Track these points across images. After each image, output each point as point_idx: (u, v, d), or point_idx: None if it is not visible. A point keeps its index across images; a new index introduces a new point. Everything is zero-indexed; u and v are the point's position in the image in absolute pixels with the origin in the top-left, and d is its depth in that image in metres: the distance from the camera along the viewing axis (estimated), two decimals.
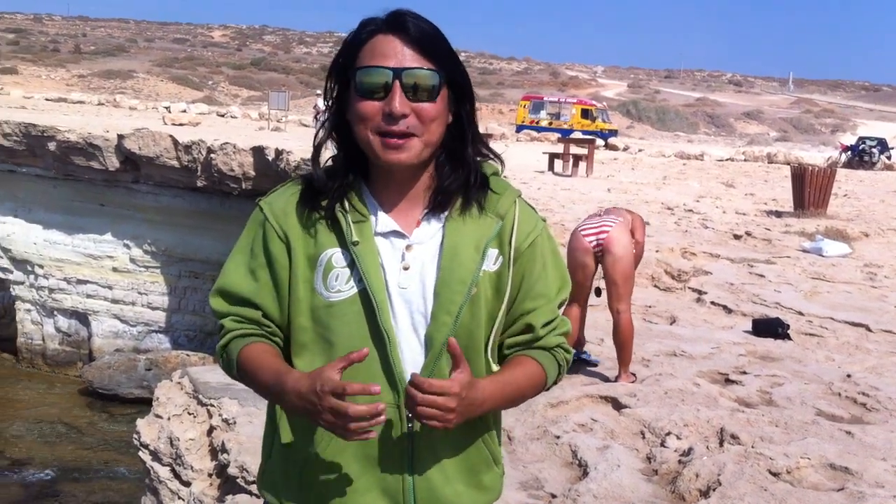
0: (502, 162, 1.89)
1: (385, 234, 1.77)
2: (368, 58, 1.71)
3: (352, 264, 1.75)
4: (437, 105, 1.72)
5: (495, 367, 1.84)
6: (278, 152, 19.04)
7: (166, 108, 37.94)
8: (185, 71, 72.33)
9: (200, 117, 32.90)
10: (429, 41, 1.72)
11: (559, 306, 1.88)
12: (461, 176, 1.78)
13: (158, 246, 21.86)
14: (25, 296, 23.13)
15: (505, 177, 1.89)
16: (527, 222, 1.84)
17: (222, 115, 38.38)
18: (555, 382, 1.90)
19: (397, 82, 1.68)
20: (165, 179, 20.76)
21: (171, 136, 20.36)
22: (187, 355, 19.75)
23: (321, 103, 23.04)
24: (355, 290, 1.74)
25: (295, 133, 27.24)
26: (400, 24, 1.71)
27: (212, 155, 19.68)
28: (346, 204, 1.78)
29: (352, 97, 1.73)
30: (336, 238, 1.77)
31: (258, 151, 19.40)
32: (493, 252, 1.79)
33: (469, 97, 1.80)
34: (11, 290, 23.38)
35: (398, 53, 1.69)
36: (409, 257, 1.77)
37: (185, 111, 36.54)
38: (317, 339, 1.78)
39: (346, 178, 1.79)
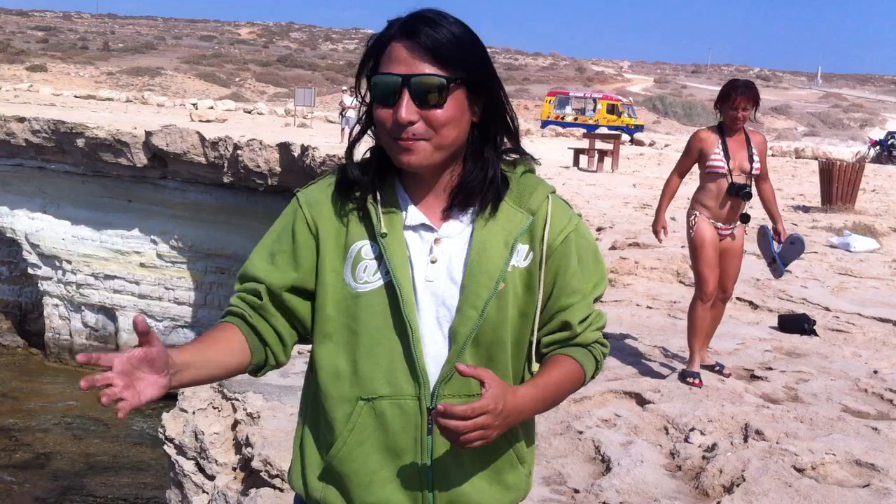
0: (533, 160, 1.89)
1: (414, 227, 1.78)
2: (384, 64, 1.72)
3: (380, 256, 1.76)
4: (448, 110, 1.71)
5: (535, 366, 1.84)
6: (304, 148, 19.11)
7: (193, 104, 38.19)
8: (212, 68, 72.68)
9: (227, 114, 33.11)
10: (440, 45, 1.70)
11: (595, 301, 1.87)
12: (481, 176, 1.78)
13: (185, 241, 22.03)
14: (53, 291, 23.38)
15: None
16: (560, 218, 1.82)
17: (249, 112, 38.58)
18: (592, 377, 1.89)
19: (405, 89, 1.69)
20: (192, 176, 20.90)
21: (198, 132, 20.50)
22: None
23: (347, 99, 23.16)
24: (382, 281, 1.75)
25: (321, 129, 27.33)
26: (411, 29, 1.71)
27: (238, 151, 19.79)
28: (378, 196, 1.79)
29: (373, 103, 1.76)
30: (366, 230, 1.78)
31: (284, 147, 19.48)
32: (523, 248, 1.79)
33: (493, 96, 1.78)
34: (40, 285, 23.63)
35: (407, 60, 1.70)
36: (436, 250, 1.78)
37: (212, 108, 36.79)
38: (342, 329, 1.79)
39: (379, 172, 1.81)
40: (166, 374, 1.63)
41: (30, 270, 23.62)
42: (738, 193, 5.48)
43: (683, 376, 5.54)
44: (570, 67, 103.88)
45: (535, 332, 1.82)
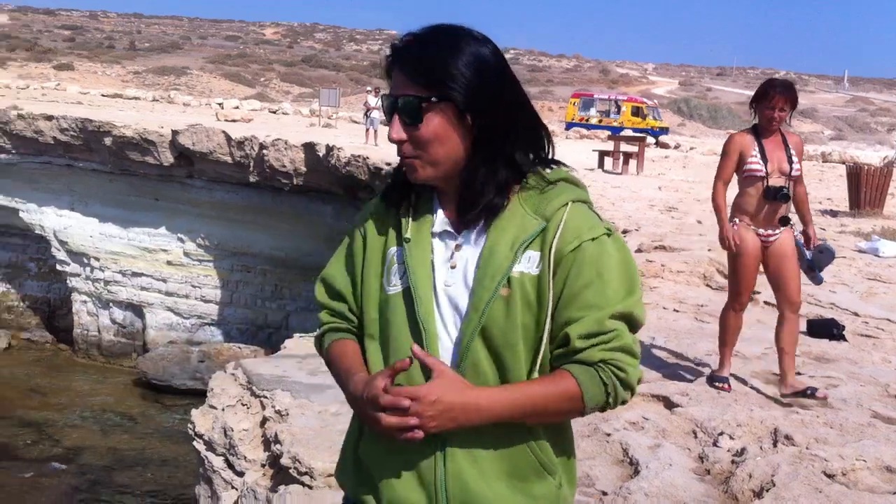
0: (560, 167, 1.88)
1: (440, 234, 1.85)
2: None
3: (403, 262, 1.84)
4: (428, 127, 1.76)
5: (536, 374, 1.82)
6: (329, 148, 19.18)
7: (219, 104, 38.41)
8: (237, 68, 73.05)
9: (253, 114, 33.29)
10: (420, 65, 1.76)
11: (619, 320, 1.75)
12: (470, 183, 1.79)
13: (211, 240, 22.17)
14: (82, 288, 23.58)
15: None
16: (576, 227, 1.76)
17: (274, 112, 38.76)
18: (608, 405, 1.77)
19: (394, 111, 1.79)
20: (218, 175, 21.03)
21: (223, 132, 20.62)
22: (239, 348, 20.05)
23: (371, 100, 23.18)
24: (404, 285, 1.82)
25: (345, 129, 27.42)
26: (395, 53, 1.80)
27: (264, 151, 19.89)
28: (412, 205, 1.88)
29: None
30: (398, 237, 1.87)
31: (309, 147, 19.56)
32: (534, 255, 1.76)
33: (491, 112, 1.77)
34: (68, 281, 23.85)
35: (394, 81, 1.80)
36: (456, 256, 1.82)
37: (237, 108, 36.99)
38: (379, 329, 1.87)
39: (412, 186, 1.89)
40: None
41: (58, 267, 23.84)
42: (776, 196, 5.31)
43: (712, 380, 5.51)
44: (595, 69, 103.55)
45: (545, 343, 1.77)
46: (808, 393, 5.24)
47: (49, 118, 22.09)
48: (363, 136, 23.00)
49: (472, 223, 1.82)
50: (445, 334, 1.79)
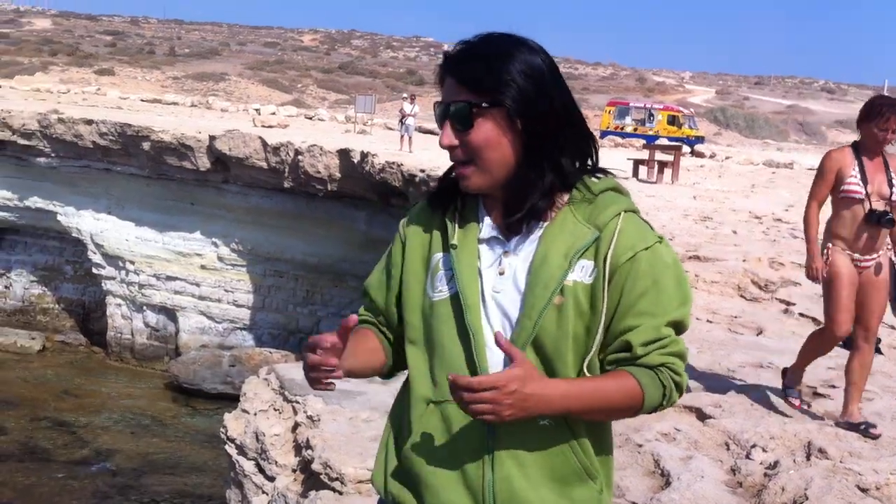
0: (608, 177, 1.90)
1: (487, 241, 1.87)
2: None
3: (451, 267, 1.86)
4: (479, 133, 1.78)
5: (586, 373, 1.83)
6: (363, 155, 19.25)
7: (256, 110, 38.67)
8: (275, 74, 73.56)
9: (289, 119, 33.46)
10: (468, 70, 1.80)
11: (672, 327, 1.80)
12: (519, 189, 1.81)
13: (245, 245, 22.33)
14: (116, 291, 23.83)
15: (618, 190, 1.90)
16: (630, 237, 1.79)
17: (310, 118, 38.94)
18: (661, 405, 1.82)
19: (446, 117, 1.82)
20: (254, 180, 21.18)
21: (260, 137, 20.77)
22: (270, 353, 20.15)
23: (407, 107, 23.26)
24: (452, 291, 1.85)
25: (380, 136, 27.51)
26: (446, 61, 1.84)
27: (299, 157, 20.01)
28: (458, 211, 1.90)
29: None
30: (443, 242, 1.89)
31: (344, 154, 19.65)
32: (587, 264, 1.79)
33: (541, 119, 1.79)
34: (103, 284, 24.11)
35: (446, 88, 1.83)
36: (505, 262, 1.84)
37: (274, 113, 37.21)
38: (422, 335, 1.90)
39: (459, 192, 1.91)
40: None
41: (94, 270, 24.11)
42: (880, 221, 4.90)
43: (784, 394, 5.18)
44: (631, 77, 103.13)
45: (594, 350, 1.79)
46: (862, 428, 4.92)
47: (89, 122, 22.36)
48: (398, 143, 23.07)
49: (517, 228, 1.84)
50: (492, 340, 1.79)
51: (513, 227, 1.84)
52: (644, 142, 34.32)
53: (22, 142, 22.80)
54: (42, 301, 25.93)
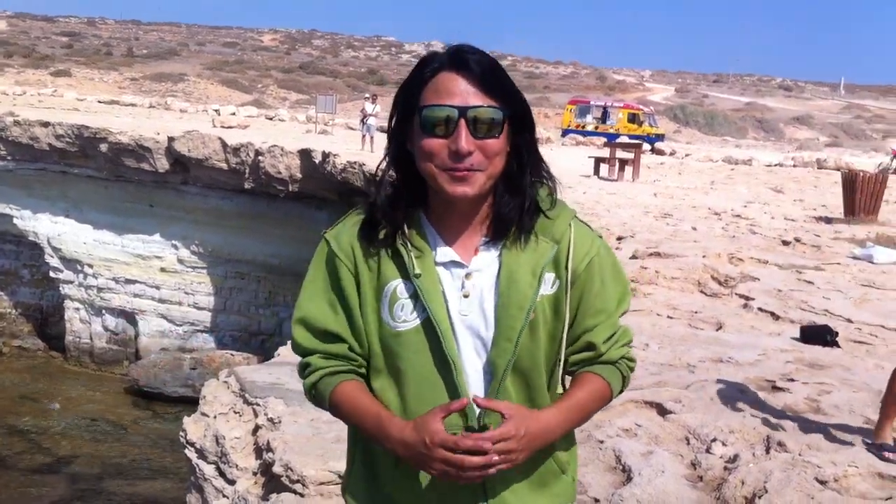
0: (552, 184, 1.91)
1: (445, 264, 1.84)
2: (433, 96, 1.75)
3: (415, 295, 1.82)
4: (501, 140, 1.77)
5: (560, 390, 1.90)
6: (325, 155, 19.19)
7: (216, 110, 38.40)
8: (234, 74, 73.04)
9: (249, 120, 33.28)
10: (490, 78, 1.77)
11: (621, 317, 1.93)
12: (518, 204, 1.83)
13: (205, 247, 22.16)
14: (74, 295, 23.55)
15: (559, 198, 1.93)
16: (582, 244, 1.87)
17: (271, 119, 38.73)
18: (620, 392, 1.95)
19: (462, 120, 1.73)
20: (214, 181, 21.03)
21: (219, 138, 20.63)
22: (232, 355, 20.02)
23: (368, 107, 23.27)
24: (419, 320, 1.81)
25: (342, 136, 27.44)
26: (462, 61, 1.76)
27: (259, 157, 19.90)
28: (407, 236, 1.84)
29: (416, 133, 1.78)
30: (398, 269, 1.83)
31: (305, 154, 19.58)
32: (549, 276, 1.84)
33: (529, 127, 1.84)
34: (61, 288, 23.82)
35: (462, 91, 1.74)
36: (468, 285, 1.83)
37: (234, 114, 36.98)
38: (387, 365, 1.86)
39: (407, 210, 1.85)
40: None
41: (51, 274, 23.81)
42: None
43: (879, 450, 4.46)
44: (591, 76, 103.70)
45: (562, 353, 1.88)
46: (886, 450, 4.46)
47: (45, 125, 22.07)
48: (359, 143, 23.02)
49: (489, 246, 1.84)
50: (468, 363, 1.83)
51: (483, 245, 1.84)
52: (605, 140, 34.52)
53: None
54: None
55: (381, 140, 23.21)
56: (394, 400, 1.84)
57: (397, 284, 1.82)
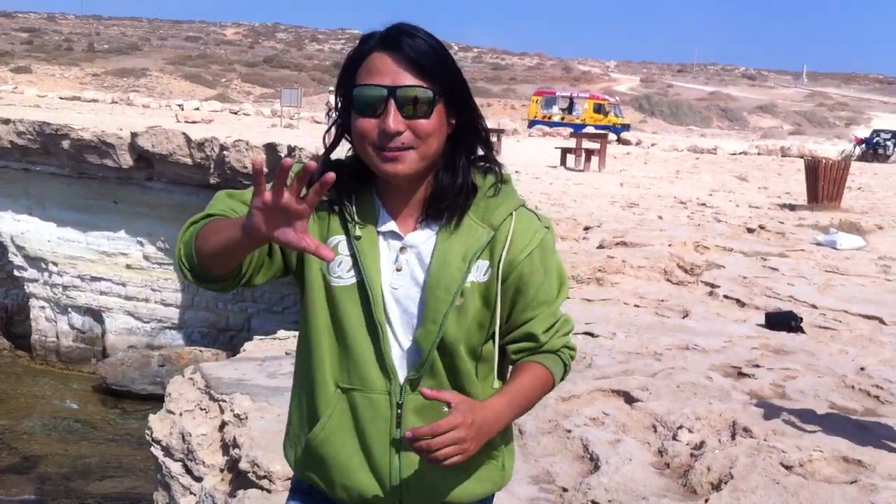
0: (499, 169, 1.90)
1: (384, 234, 1.85)
2: (365, 76, 1.76)
3: (353, 255, 1.83)
4: (433, 120, 1.76)
5: (498, 383, 1.91)
6: (291, 149, 19.10)
7: (179, 105, 38.06)
8: (197, 69, 72.44)
9: (213, 115, 33.04)
10: (423, 57, 1.75)
11: (560, 306, 1.93)
12: (451, 185, 1.82)
13: (171, 243, 21.86)
14: (39, 293, 23.30)
15: (501, 184, 1.89)
16: (523, 236, 1.85)
17: (235, 113, 38.49)
18: (562, 379, 1.96)
19: (391, 100, 1.73)
20: (178, 177, 20.86)
21: (183, 133, 20.46)
22: (200, 351, 19.90)
23: (333, 100, 23.46)
24: (354, 280, 1.83)
25: (307, 129, 27.29)
26: (394, 41, 1.75)
27: (224, 152, 19.76)
28: (353, 199, 1.85)
29: (352, 113, 1.79)
30: (342, 227, 1.85)
31: (271, 148, 19.46)
32: (483, 263, 1.83)
33: (467, 107, 1.83)
34: (26, 287, 23.56)
35: (392, 71, 1.74)
36: (401, 259, 1.84)
37: (197, 109, 36.69)
38: (323, 317, 1.86)
39: (355, 178, 1.86)
40: None
41: (15, 273, 23.54)
42: None
43: None
44: (557, 67, 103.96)
45: (496, 345, 1.88)
46: None
47: (6, 122, 21.79)
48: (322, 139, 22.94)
49: (428, 224, 1.84)
50: (393, 336, 1.84)
51: (422, 222, 1.84)
52: (571, 130, 34.64)
53: None
54: None
55: None
56: (325, 351, 1.85)
57: (340, 240, 1.84)
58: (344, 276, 1.83)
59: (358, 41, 1.83)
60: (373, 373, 1.82)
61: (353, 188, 1.85)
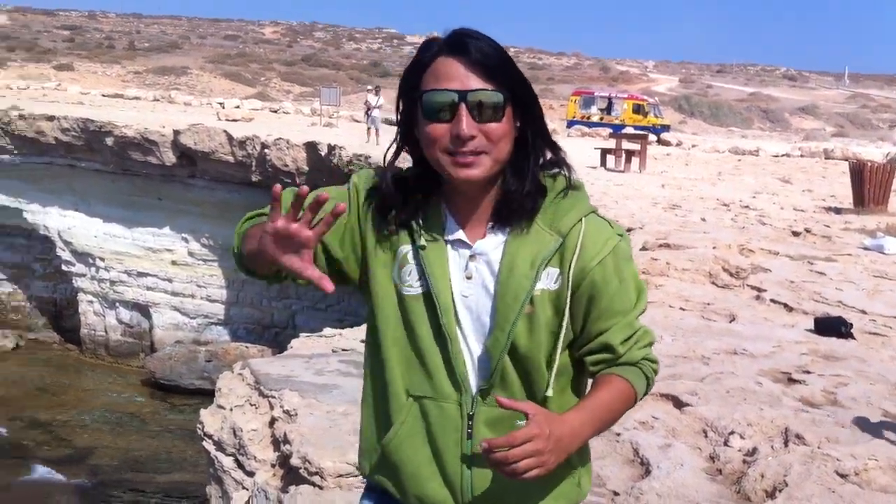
0: (569, 174, 1.88)
1: (452, 243, 1.84)
2: (433, 81, 1.75)
3: (419, 265, 1.83)
4: (504, 123, 1.75)
5: (572, 396, 1.87)
6: (331, 147, 19.21)
7: (220, 104, 38.35)
8: (237, 67, 72.95)
9: (253, 113, 33.29)
10: (490, 61, 1.75)
11: (638, 317, 1.88)
12: (520, 188, 1.81)
13: (215, 239, 22.21)
14: (87, 288, 23.65)
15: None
16: (594, 242, 1.81)
17: (275, 111, 38.73)
18: (645, 394, 1.90)
19: (462, 104, 1.73)
20: (220, 174, 21.05)
21: (225, 131, 20.64)
22: (246, 347, 20.11)
23: (372, 99, 23.23)
24: (422, 289, 1.83)
25: (346, 128, 27.41)
26: (460, 45, 1.75)
27: (266, 150, 19.91)
28: (420, 210, 1.85)
29: (419, 119, 1.78)
30: (410, 236, 1.85)
31: (311, 147, 19.58)
32: (553, 271, 1.80)
33: (533, 112, 1.82)
34: (74, 282, 23.92)
35: (461, 75, 1.73)
36: (471, 267, 1.83)
37: (238, 107, 36.98)
38: (394, 324, 1.87)
39: (421, 191, 1.86)
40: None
41: (64, 267, 23.91)
42: None
43: None
44: (595, 67, 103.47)
45: (559, 352, 1.82)
46: None
47: (50, 118, 22.12)
48: (364, 135, 23.02)
49: (497, 230, 1.83)
50: (466, 346, 1.83)
51: (491, 228, 1.83)
52: (610, 131, 34.47)
53: None
54: (13, 299, 25.67)
55: (386, 132, 23.26)
56: (397, 359, 1.86)
57: (408, 250, 1.84)
58: (413, 284, 1.83)
59: (419, 48, 1.82)
60: (443, 381, 1.82)
61: (420, 199, 1.85)
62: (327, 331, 7.84)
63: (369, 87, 29.02)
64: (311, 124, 29.35)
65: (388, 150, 1.89)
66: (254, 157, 20.24)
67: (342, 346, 7.11)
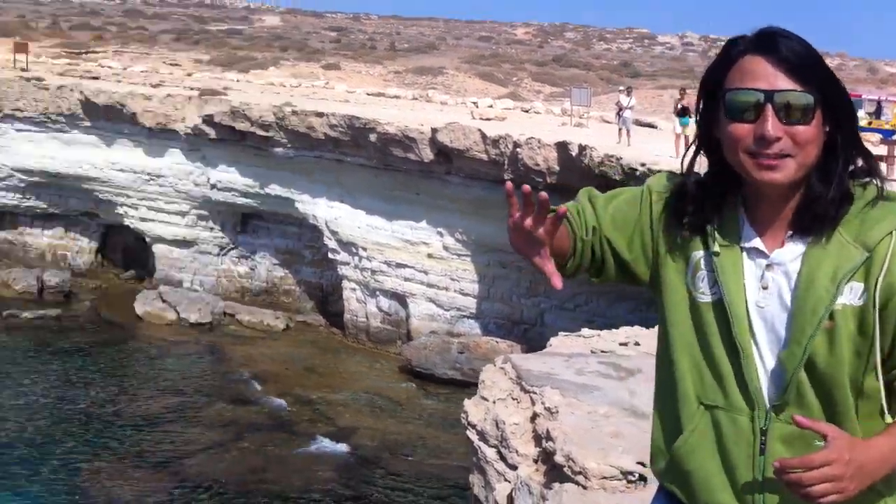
0: (881, 184, 1.78)
1: (748, 250, 1.79)
2: (738, 79, 1.72)
3: (713, 271, 1.79)
4: (812, 127, 1.68)
5: (889, 418, 1.75)
6: (581, 148, 19.20)
7: (474, 103, 39.19)
8: (490, 68, 74.20)
9: (506, 112, 33.79)
10: (801, 61, 1.69)
11: None
12: (827, 196, 1.72)
13: (469, 235, 22.77)
14: (351, 276, 24.95)
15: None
16: None
17: (526, 111, 39.06)
18: None
19: (769, 105, 1.67)
20: (474, 172, 21.57)
21: (479, 130, 21.12)
22: (497, 342, 20.58)
23: (623, 100, 23.00)
24: (714, 297, 1.80)
25: (597, 129, 27.29)
26: (769, 44, 1.71)
27: (518, 149, 20.20)
28: (716, 215, 1.82)
29: (721, 118, 1.75)
30: (702, 242, 1.83)
31: (562, 147, 19.68)
32: (857, 286, 1.70)
33: (845, 115, 1.74)
34: (339, 269, 25.33)
35: (768, 75, 1.68)
36: (768, 277, 1.77)
37: (491, 106, 37.65)
38: (686, 330, 1.85)
39: (718, 195, 1.83)
40: None
41: (330, 255, 25.34)
42: None
43: None
44: (861, 68, 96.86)
45: (879, 378, 1.72)
46: None
47: (320, 115, 23.47)
48: (615, 136, 22.83)
49: (796, 239, 1.76)
50: (759, 358, 1.78)
51: (790, 237, 1.76)
52: (880, 136, 32.27)
53: (260, 133, 24.29)
54: (284, 283, 27.59)
55: (637, 133, 22.81)
56: (687, 365, 1.83)
57: (702, 255, 1.81)
58: (706, 291, 1.80)
59: (724, 45, 1.79)
60: (736, 394, 1.78)
61: (716, 203, 1.82)
62: (585, 331, 7.93)
63: (621, 88, 28.73)
64: (561, 124, 29.42)
65: (684, 153, 1.87)
66: (506, 156, 20.59)
67: (601, 347, 7.15)
